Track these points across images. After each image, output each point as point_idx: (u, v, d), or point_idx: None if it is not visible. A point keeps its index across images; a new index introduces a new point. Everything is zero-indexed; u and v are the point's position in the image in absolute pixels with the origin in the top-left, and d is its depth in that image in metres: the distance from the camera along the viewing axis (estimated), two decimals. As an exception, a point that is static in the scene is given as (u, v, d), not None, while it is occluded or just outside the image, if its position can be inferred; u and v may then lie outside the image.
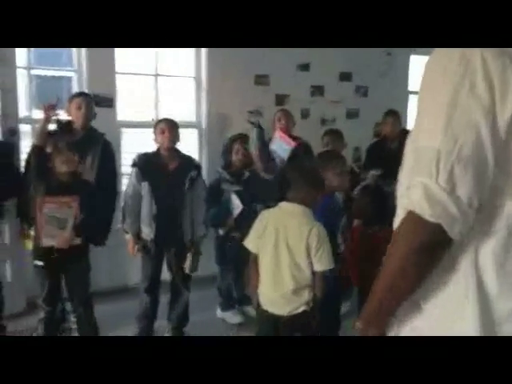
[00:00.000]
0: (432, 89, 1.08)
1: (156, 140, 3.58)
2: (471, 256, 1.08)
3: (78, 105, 3.57)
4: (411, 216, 1.06)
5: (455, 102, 1.02)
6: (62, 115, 3.57)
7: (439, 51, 1.09)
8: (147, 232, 3.54)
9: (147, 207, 3.51)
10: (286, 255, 2.60)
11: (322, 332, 2.68)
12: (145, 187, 3.50)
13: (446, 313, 1.11)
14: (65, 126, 3.54)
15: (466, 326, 1.08)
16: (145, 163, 3.54)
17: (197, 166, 3.69)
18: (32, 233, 3.28)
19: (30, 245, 3.30)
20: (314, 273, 2.61)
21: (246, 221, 3.35)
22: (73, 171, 3.13)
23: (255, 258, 2.72)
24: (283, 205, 2.71)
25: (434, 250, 1.06)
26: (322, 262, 2.58)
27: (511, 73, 1.00)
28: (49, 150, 3.16)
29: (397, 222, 1.13)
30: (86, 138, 3.55)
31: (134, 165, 3.57)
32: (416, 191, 1.05)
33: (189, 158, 3.70)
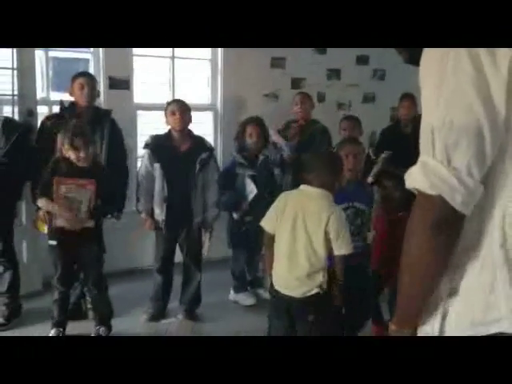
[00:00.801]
0: (425, 75, 1.11)
1: (167, 122, 3.58)
2: (499, 221, 1.06)
3: (80, 85, 3.51)
4: (418, 197, 1.08)
5: (442, 79, 1.04)
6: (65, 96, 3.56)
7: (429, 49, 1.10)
8: (158, 213, 3.57)
9: (159, 188, 3.54)
10: (303, 239, 2.59)
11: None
12: (157, 169, 3.53)
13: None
14: (67, 108, 3.53)
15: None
16: (156, 145, 3.56)
17: (209, 148, 3.68)
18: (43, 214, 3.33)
19: (44, 227, 3.33)
20: (333, 257, 2.61)
21: (261, 205, 3.36)
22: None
23: (271, 238, 2.71)
24: (304, 188, 2.69)
25: (447, 226, 1.05)
26: (342, 247, 2.57)
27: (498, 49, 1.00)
28: (64, 145, 3.10)
29: None
30: (93, 118, 3.52)
31: (146, 146, 3.59)
32: (415, 169, 1.08)
33: (201, 140, 3.69)
